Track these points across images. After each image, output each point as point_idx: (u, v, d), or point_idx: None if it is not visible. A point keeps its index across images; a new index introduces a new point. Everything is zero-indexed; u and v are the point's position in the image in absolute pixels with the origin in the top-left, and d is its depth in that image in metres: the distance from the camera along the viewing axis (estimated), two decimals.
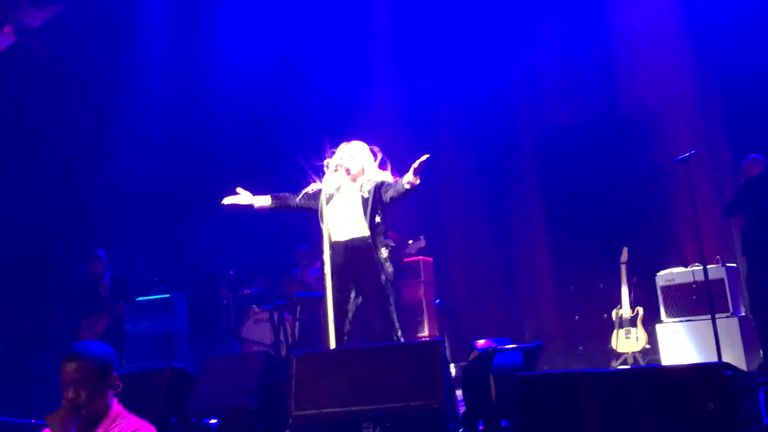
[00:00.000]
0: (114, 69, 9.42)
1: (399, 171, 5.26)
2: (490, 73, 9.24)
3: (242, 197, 5.36)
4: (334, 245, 5.13)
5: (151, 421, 4.08)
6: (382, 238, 5.21)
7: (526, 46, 9.08)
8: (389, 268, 5.15)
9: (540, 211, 9.57)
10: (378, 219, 5.21)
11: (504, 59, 9.15)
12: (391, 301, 5.12)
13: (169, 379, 4.34)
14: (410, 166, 4.89)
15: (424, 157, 4.81)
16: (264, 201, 5.40)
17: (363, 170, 5.34)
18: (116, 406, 3.09)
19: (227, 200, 5.39)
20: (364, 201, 5.22)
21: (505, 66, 9.20)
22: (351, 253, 5.16)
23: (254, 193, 5.39)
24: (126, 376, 5.14)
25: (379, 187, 5.25)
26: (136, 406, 4.26)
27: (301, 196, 5.38)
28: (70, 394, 2.94)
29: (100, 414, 3.01)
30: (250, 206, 5.40)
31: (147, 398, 4.26)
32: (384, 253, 5.15)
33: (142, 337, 8.80)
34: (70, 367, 2.97)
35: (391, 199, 5.16)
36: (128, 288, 7.97)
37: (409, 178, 4.92)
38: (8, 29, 8.61)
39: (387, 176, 5.34)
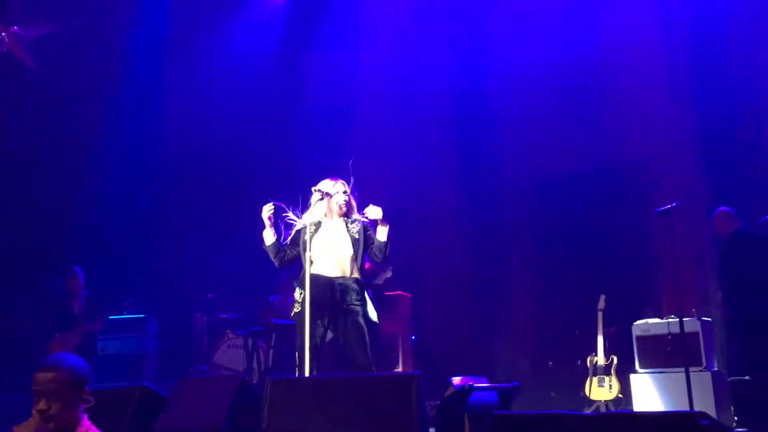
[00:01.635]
0: (97, 91, 9.41)
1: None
2: (470, 112, 9.37)
3: (269, 213, 5.32)
4: (317, 278, 5.12)
5: None
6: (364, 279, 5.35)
7: (507, 94, 9.20)
8: (372, 309, 5.25)
9: (519, 256, 9.61)
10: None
11: (486, 103, 9.27)
12: (368, 340, 5.15)
13: (139, 399, 4.27)
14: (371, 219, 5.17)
15: (372, 214, 5.09)
16: (270, 237, 5.37)
17: (352, 209, 5.40)
18: (86, 422, 3.04)
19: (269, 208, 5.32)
20: (355, 242, 5.30)
21: (488, 109, 9.32)
22: (338, 291, 5.18)
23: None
24: (95, 393, 5.07)
25: (365, 231, 5.37)
26: (104, 424, 4.18)
27: (288, 247, 5.40)
28: (42, 405, 2.90)
29: (69, 428, 2.96)
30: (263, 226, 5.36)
31: (115, 417, 4.18)
32: (366, 295, 5.29)
33: (112, 357, 8.65)
34: (45, 377, 2.94)
35: (372, 254, 5.33)
36: (101, 307, 7.89)
37: (379, 235, 5.20)
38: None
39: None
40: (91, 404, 3.03)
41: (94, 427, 3.06)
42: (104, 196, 9.44)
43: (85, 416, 3.05)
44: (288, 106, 9.93)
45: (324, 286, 5.15)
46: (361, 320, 5.16)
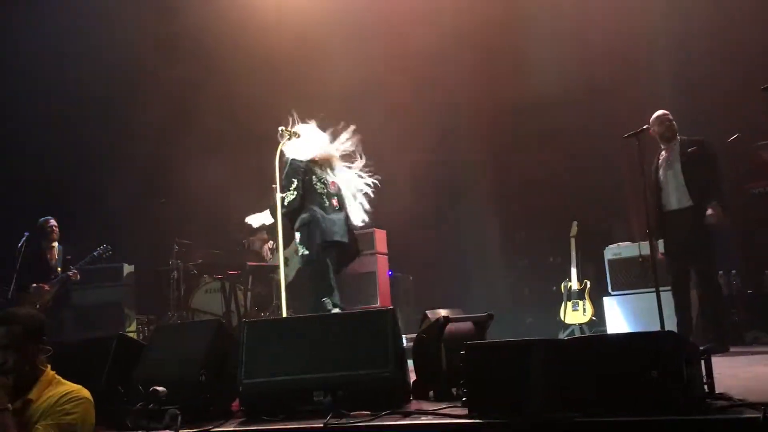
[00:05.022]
0: None
1: None
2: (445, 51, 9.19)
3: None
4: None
5: (98, 389, 4.01)
6: None
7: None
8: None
9: (492, 186, 9.64)
10: None
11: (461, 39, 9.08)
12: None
13: (116, 348, 4.26)
14: None
15: None
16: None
17: None
18: (50, 372, 3.04)
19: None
20: None
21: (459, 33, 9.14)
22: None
23: None
24: (73, 344, 5.06)
25: None
26: (82, 374, 4.19)
27: None
28: None
29: (31, 379, 2.97)
30: None
31: (93, 367, 4.18)
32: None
33: (88, 306, 8.64)
34: None
35: None
36: (75, 256, 7.82)
37: None
38: None
39: None
40: (50, 353, 3.03)
41: (58, 377, 3.05)
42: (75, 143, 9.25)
43: (48, 366, 3.05)
44: None
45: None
46: None
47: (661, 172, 6.30)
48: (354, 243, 6.04)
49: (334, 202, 5.87)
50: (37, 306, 7.24)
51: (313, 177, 5.78)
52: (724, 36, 7.80)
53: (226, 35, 9.26)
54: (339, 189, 5.98)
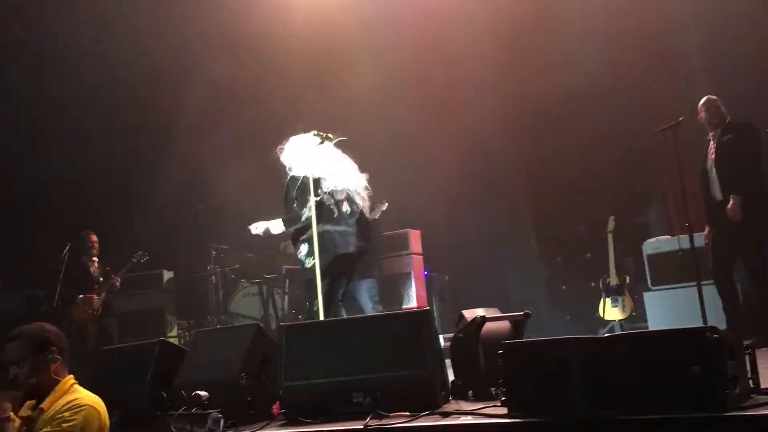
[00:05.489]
0: None
1: None
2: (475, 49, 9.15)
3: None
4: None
5: (141, 395, 4.12)
6: None
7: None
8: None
9: (527, 183, 9.58)
10: None
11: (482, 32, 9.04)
12: None
13: (159, 354, 4.34)
14: None
15: None
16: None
17: None
18: (69, 381, 3.18)
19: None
20: None
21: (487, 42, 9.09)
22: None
23: None
24: (116, 350, 5.17)
25: None
26: (125, 380, 4.30)
27: None
28: (10, 375, 3.10)
29: (46, 389, 3.12)
30: None
31: (137, 373, 4.26)
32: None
33: (131, 313, 8.79)
34: (6, 349, 3.13)
35: None
36: (115, 265, 7.99)
37: None
38: None
39: None
40: (58, 362, 3.17)
41: (76, 386, 3.21)
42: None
43: (66, 375, 3.19)
44: None
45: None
46: None
47: (708, 162, 6.14)
48: (366, 242, 5.99)
49: (344, 207, 5.77)
50: (91, 312, 7.45)
51: (319, 190, 5.64)
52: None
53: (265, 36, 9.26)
54: (347, 195, 5.83)
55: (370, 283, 7.70)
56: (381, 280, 7.98)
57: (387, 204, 7.76)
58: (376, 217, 8.04)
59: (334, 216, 5.68)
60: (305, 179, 5.57)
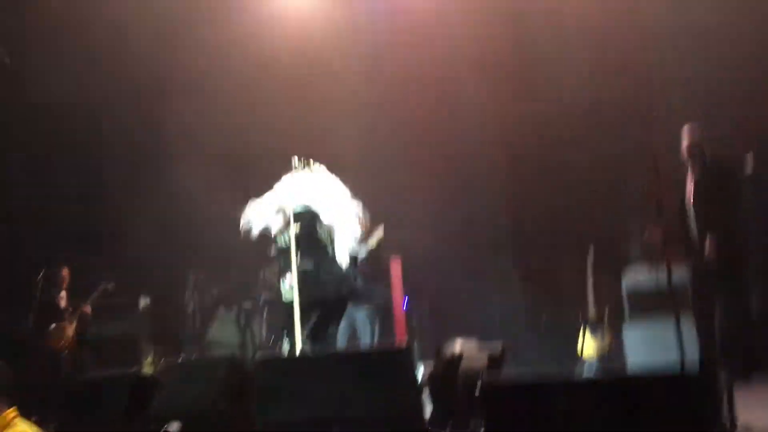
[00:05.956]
0: None
1: None
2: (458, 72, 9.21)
3: None
4: None
5: (116, 427, 4.04)
6: None
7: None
8: None
9: (507, 212, 9.60)
10: None
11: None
12: None
13: (133, 385, 4.27)
14: None
15: None
16: None
17: None
18: (7, 414, 3.16)
19: None
20: None
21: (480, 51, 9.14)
22: None
23: None
24: (89, 382, 5.08)
25: None
26: (99, 412, 4.22)
27: None
28: None
29: None
30: None
31: (110, 404, 4.20)
32: None
33: (105, 341, 8.63)
34: None
35: None
36: (86, 293, 7.93)
37: None
38: None
39: None
40: (12, 406, 3.15)
41: (18, 420, 3.19)
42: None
43: (9, 410, 3.18)
44: None
45: None
46: None
47: (687, 197, 6.19)
48: (342, 290, 5.76)
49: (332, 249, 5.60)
50: (64, 340, 7.37)
51: (316, 225, 5.55)
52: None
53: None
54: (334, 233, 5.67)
55: (372, 311, 7.53)
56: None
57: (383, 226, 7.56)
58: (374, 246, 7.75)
59: (327, 257, 5.54)
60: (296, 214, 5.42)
